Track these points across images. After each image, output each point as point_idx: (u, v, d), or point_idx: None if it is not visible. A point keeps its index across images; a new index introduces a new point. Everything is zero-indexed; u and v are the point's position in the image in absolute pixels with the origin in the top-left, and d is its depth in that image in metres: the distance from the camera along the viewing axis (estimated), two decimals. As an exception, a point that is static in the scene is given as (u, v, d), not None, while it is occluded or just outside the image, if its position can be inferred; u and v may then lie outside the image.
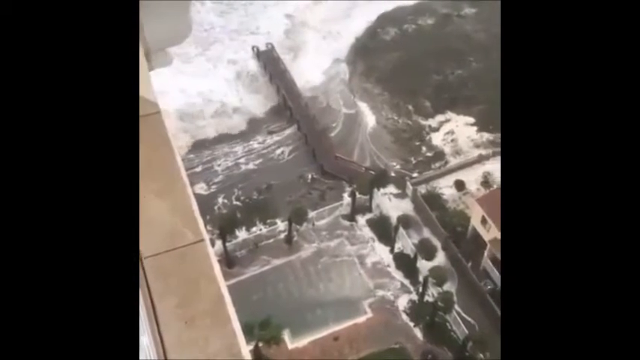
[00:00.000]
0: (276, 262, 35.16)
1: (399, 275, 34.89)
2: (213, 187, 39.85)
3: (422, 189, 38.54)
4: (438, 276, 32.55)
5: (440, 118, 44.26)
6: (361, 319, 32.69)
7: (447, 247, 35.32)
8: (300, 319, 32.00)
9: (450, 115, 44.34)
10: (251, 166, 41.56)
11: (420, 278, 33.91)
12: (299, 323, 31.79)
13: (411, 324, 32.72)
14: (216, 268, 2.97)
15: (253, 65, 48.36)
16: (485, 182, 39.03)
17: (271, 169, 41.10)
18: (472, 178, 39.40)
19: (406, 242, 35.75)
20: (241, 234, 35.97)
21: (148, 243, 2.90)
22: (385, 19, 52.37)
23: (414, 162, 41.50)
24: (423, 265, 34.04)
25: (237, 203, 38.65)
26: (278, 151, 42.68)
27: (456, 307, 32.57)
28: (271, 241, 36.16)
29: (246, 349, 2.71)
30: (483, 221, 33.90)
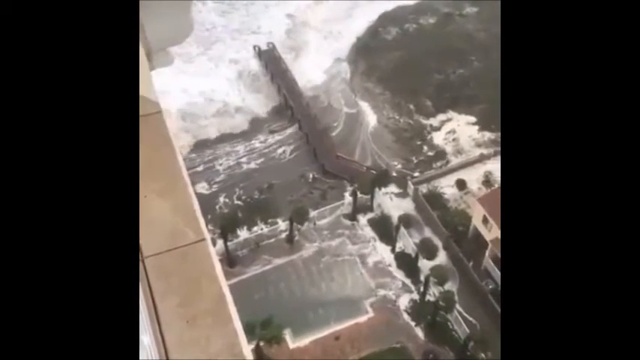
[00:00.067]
0: (278, 261, 35.17)
1: (400, 275, 34.88)
2: (215, 186, 39.86)
3: (423, 188, 38.52)
4: (440, 275, 32.55)
5: (441, 117, 44.23)
6: (362, 319, 32.69)
7: (449, 247, 35.31)
8: (302, 319, 32.01)
9: (451, 114, 44.31)
10: (253, 165, 41.57)
11: (422, 278, 33.91)
12: (300, 323, 31.80)
13: (413, 323, 32.71)
14: (218, 268, 2.97)
15: (255, 65, 48.38)
16: (487, 181, 39.00)
17: (273, 168, 41.10)
18: (473, 177, 39.37)
19: (407, 242, 35.74)
20: (243, 233, 35.99)
21: (149, 242, 2.90)
22: (386, 19, 52.35)
23: (415, 161, 41.48)
24: (425, 265, 34.03)
25: (239, 203, 38.67)
26: (280, 151, 42.69)
27: (458, 306, 32.56)
28: (272, 240, 36.17)
29: (247, 349, 2.71)
30: (485, 221, 33.88)
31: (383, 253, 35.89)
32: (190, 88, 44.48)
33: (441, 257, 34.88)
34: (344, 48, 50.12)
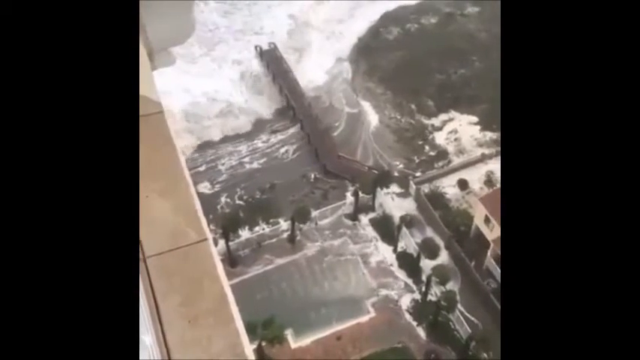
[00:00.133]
0: (279, 261, 35.18)
1: (402, 274, 34.87)
2: (217, 186, 39.88)
3: (425, 188, 38.52)
4: (441, 275, 32.54)
5: (443, 117, 44.22)
6: (364, 319, 32.68)
7: (450, 247, 35.29)
8: (303, 319, 32.01)
9: (453, 114, 44.30)
10: (255, 165, 41.58)
11: (423, 277, 33.90)
12: (302, 322, 31.81)
13: (414, 323, 32.70)
14: (219, 268, 2.97)
15: (257, 66, 48.39)
16: (489, 181, 39.00)
17: (275, 168, 41.11)
18: (475, 177, 39.37)
19: (409, 241, 35.73)
20: (244, 233, 36.02)
21: (151, 242, 2.91)
22: (388, 19, 52.35)
23: (417, 161, 41.47)
24: (426, 265, 34.01)
25: (240, 202, 38.69)
26: (282, 150, 42.69)
27: (459, 306, 32.54)
28: (274, 240, 36.18)
29: (249, 349, 2.71)
30: (486, 220, 33.88)
31: (385, 252, 35.88)
32: (194, 88, 44.54)
33: (443, 257, 34.86)
34: (345, 48, 50.13)
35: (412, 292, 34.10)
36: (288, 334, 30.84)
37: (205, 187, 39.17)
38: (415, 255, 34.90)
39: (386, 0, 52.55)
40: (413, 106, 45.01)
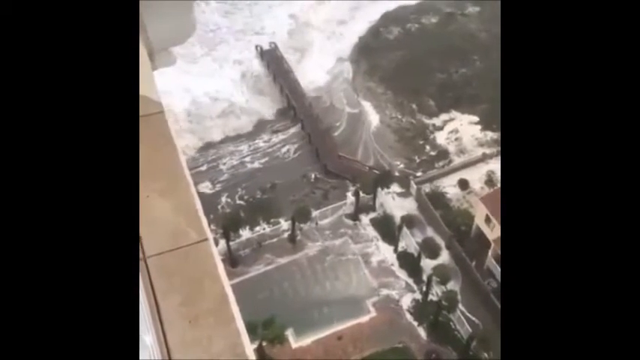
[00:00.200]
0: (280, 261, 35.19)
1: (402, 274, 34.87)
2: (218, 185, 39.90)
3: (426, 188, 38.52)
4: (442, 275, 32.54)
5: (444, 117, 44.20)
6: (365, 319, 32.68)
7: (451, 246, 35.29)
8: (304, 319, 32.01)
9: (454, 114, 44.28)
10: (256, 164, 41.58)
11: (424, 277, 33.90)
12: (302, 322, 31.81)
13: (415, 323, 32.69)
14: (220, 267, 2.97)
15: (259, 65, 48.40)
16: (489, 181, 39.00)
17: (276, 168, 41.11)
18: (476, 176, 39.36)
19: (410, 241, 35.72)
20: (245, 233, 36.04)
21: (151, 242, 2.91)
22: (388, 18, 52.33)
23: (417, 161, 41.46)
24: (427, 264, 34.01)
25: (241, 202, 38.70)
26: (284, 150, 42.69)
27: (460, 306, 32.53)
28: (275, 240, 36.19)
29: (250, 349, 2.71)
30: (487, 220, 33.88)
31: (385, 252, 35.88)
32: (195, 88, 44.57)
33: (444, 257, 34.86)
34: (346, 48, 50.12)
35: (413, 291, 34.10)
36: (289, 334, 30.85)
37: (206, 187, 39.18)
38: (416, 255, 34.90)
39: (386, 0, 52.52)
40: (414, 106, 44.99)
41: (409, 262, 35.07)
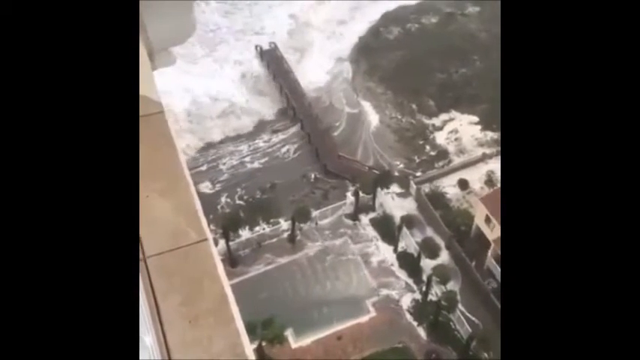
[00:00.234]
0: (280, 261, 35.20)
1: (402, 274, 34.87)
2: (218, 185, 39.91)
3: (425, 188, 38.52)
4: (442, 275, 32.54)
5: (444, 117, 44.20)
6: (365, 319, 32.68)
7: (451, 246, 35.29)
8: (304, 319, 32.02)
9: (453, 114, 44.28)
10: (256, 164, 41.58)
11: (424, 277, 33.90)
12: (302, 322, 31.81)
13: (415, 323, 32.70)
14: (220, 267, 2.97)
15: (259, 65, 48.41)
16: (489, 181, 39.00)
17: (276, 167, 41.12)
18: (476, 177, 39.37)
19: (409, 241, 35.73)
20: (244, 233, 36.04)
21: (151, 242, 2.91)
22: (388, 18, 52.33)
23: (417, 161, 41.46)
24: (427, 264, 34.01)
25: (241, 202, 38.70)
26: (283, 150, 42.69)
27: (460, 306, 32.53)
28: (274, 240, 36.19)
29: (249, 349, 2.71)
30: (487, 220, 33.88)
31: (385, 252, 35.89)
32: (196, 89, 44.59)
33: (444, 257, 34.86)
34: (346, 48, 50.12)
35: (413, 291, 34.11)
36: (289, 334, 30.85)
37: (206, 187, 39.19)
38: (416, 255, 34.90)
39: (386, 0, 52.52)
40: (413, 106, 44.99)
41: (409, 262, 35.08)
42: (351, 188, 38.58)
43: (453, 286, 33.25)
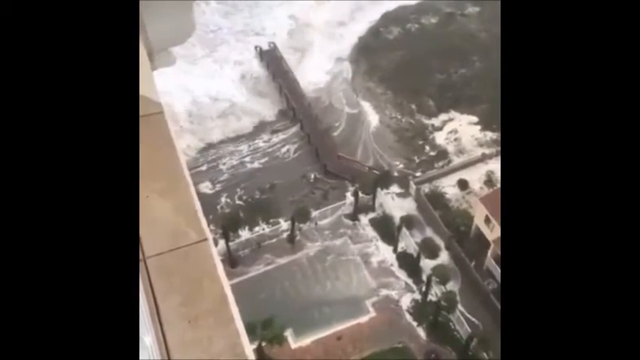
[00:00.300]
0: (279, 261, 35.20)
1: (402, 274, 34.89)
2: (218, 186, 39.91)
3: (425, 188, 38.53)
4: (442, 275, 32.55)
5: (443, 117, 44.23)
6: (364, 319, 32.69)
7: (451, 247, 35.30)
8: (303, 319, 32.02)
9: (453, 114, 44.30)
10: (256, 164, 41.58)
11: (424, 277, 33.91)
12: (302, 322, 31.81)
13: (415, 323, 32.71)
14: (220, 268, 2.97)
15: (259, 66, 48.42)
16: (489, 181, 39.02)
17: (276, 168, 41.13)
18: (475, 177, 39.38)
19: (409, 241, 35.74)
20: (244, 233, 36.05)
21: (151, 242, 2.90)
22: (388, 18, 52.37)
23: (417, 161, 41.47)
24: (427, 265, 34.02)
25: (240, 203, 38.70)
26: (283, 150, 42.70)
27: (460, 306, 32.55)
28: (274, 240, 36.21)
29: (249, 349, 2.71)
30: (487, 220, 33.89)
31: (385, 253, 35.90)
32: (196, 89, 44.62)
33: (443, 257, 34.87)
34: (346, 48, 50.15)
35: (412, 292, 34.12)
36: (288, 334, 30.86)
37: (206, 187, 39.20)
38: (415, 255, 34.91)
39: (386, 0, 52.54)
40: (413, 106, 45.01)
41: (408, 263, 35.08)
42: (351, 188, 38.59)
43: (452, 286, 33.26)
